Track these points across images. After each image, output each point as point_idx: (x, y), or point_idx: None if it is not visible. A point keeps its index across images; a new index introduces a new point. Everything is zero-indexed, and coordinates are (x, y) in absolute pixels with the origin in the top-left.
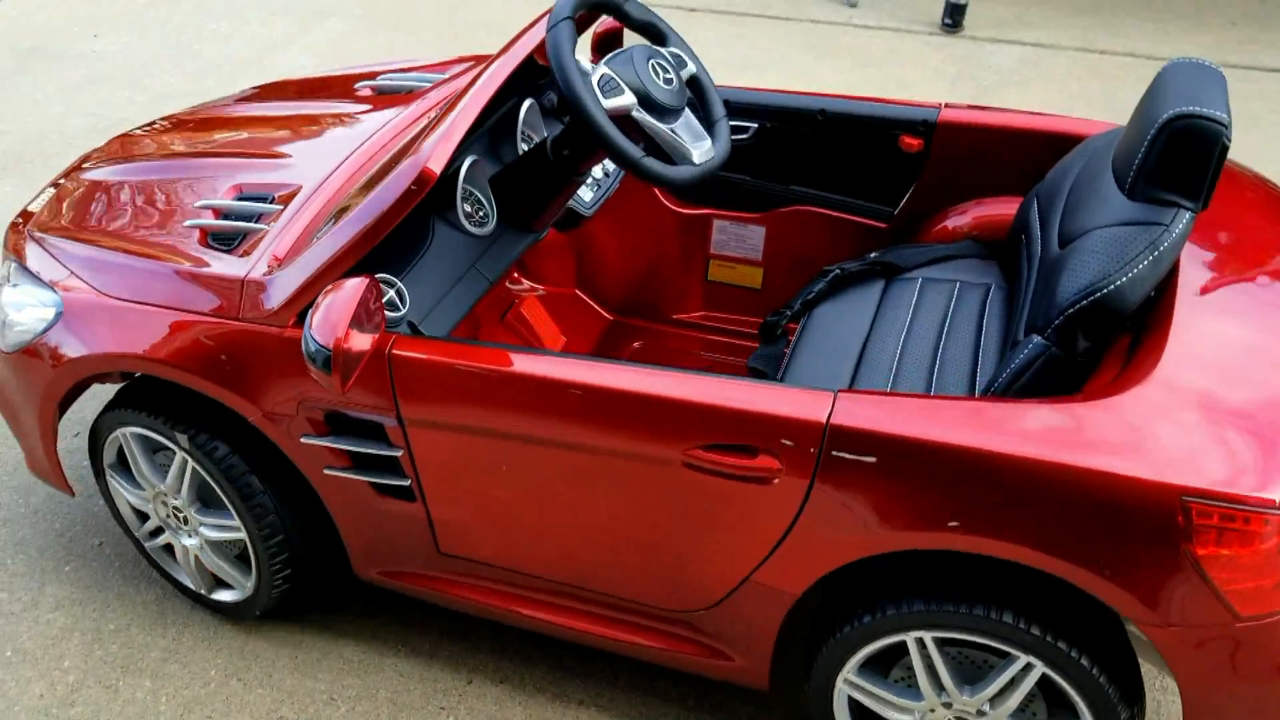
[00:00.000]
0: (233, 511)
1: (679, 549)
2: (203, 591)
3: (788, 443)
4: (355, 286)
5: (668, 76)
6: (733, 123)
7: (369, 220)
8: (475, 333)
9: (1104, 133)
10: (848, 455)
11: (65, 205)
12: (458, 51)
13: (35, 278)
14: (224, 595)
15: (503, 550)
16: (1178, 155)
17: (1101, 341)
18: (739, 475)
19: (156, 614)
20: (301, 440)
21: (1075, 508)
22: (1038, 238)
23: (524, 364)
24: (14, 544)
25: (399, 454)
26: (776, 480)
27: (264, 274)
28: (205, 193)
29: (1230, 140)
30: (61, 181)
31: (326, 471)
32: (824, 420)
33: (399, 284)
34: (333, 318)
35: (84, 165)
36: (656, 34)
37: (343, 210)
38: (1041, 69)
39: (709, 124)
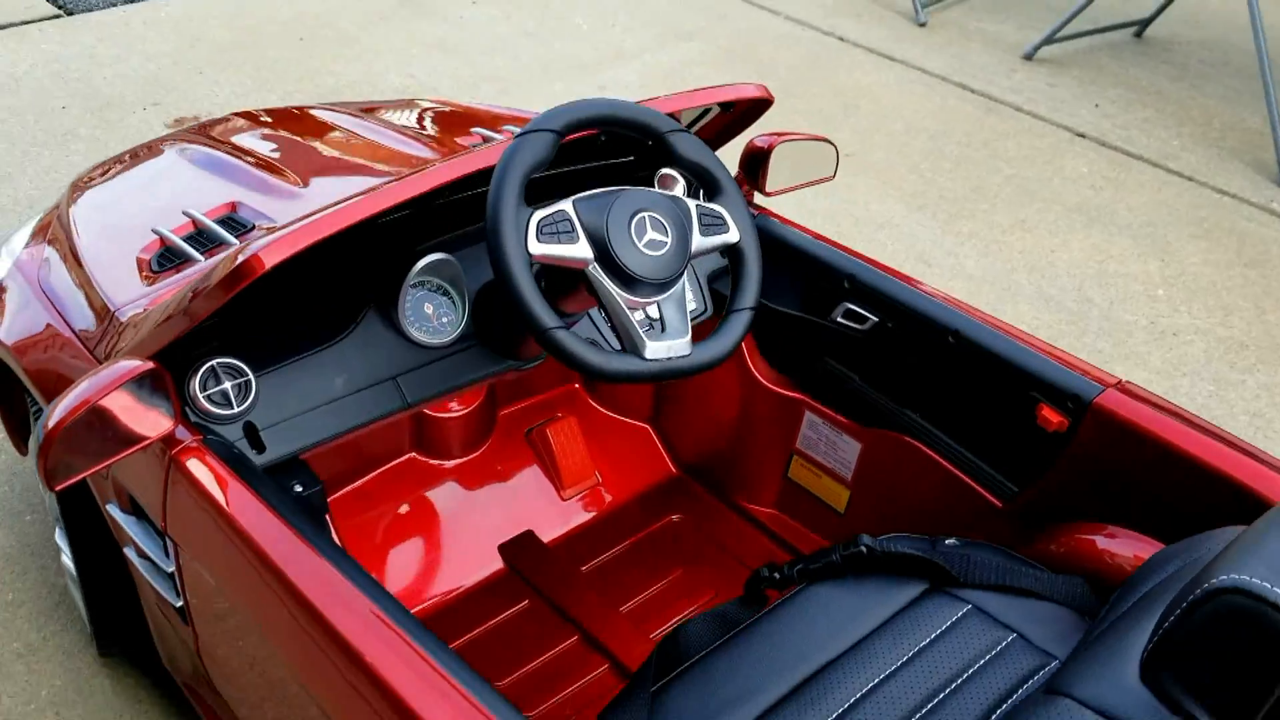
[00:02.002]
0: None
1: None
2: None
3: None
4: (118, 373)
5: (657, 239)
6: (850, 306)
7: (186, 301)
8: (482, 437)
9: (1231, 530)
10: None
11: (115, 171)
12: (791, 103)
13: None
14: None
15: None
16: (1218, 645)
17: None
18: None
19: (50, 606)
20: (107, 507)
21: None
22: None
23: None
24: None
25: (171, 570)
26: None
27: (134, 314)
28: (209, 198)
29: None
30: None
31: (125, 551)
32: None
33: (250, 376)
34: (70, 400)
35: (177, 136)
36: (708, 182)
37: None
38: None
39: (727, 312)
